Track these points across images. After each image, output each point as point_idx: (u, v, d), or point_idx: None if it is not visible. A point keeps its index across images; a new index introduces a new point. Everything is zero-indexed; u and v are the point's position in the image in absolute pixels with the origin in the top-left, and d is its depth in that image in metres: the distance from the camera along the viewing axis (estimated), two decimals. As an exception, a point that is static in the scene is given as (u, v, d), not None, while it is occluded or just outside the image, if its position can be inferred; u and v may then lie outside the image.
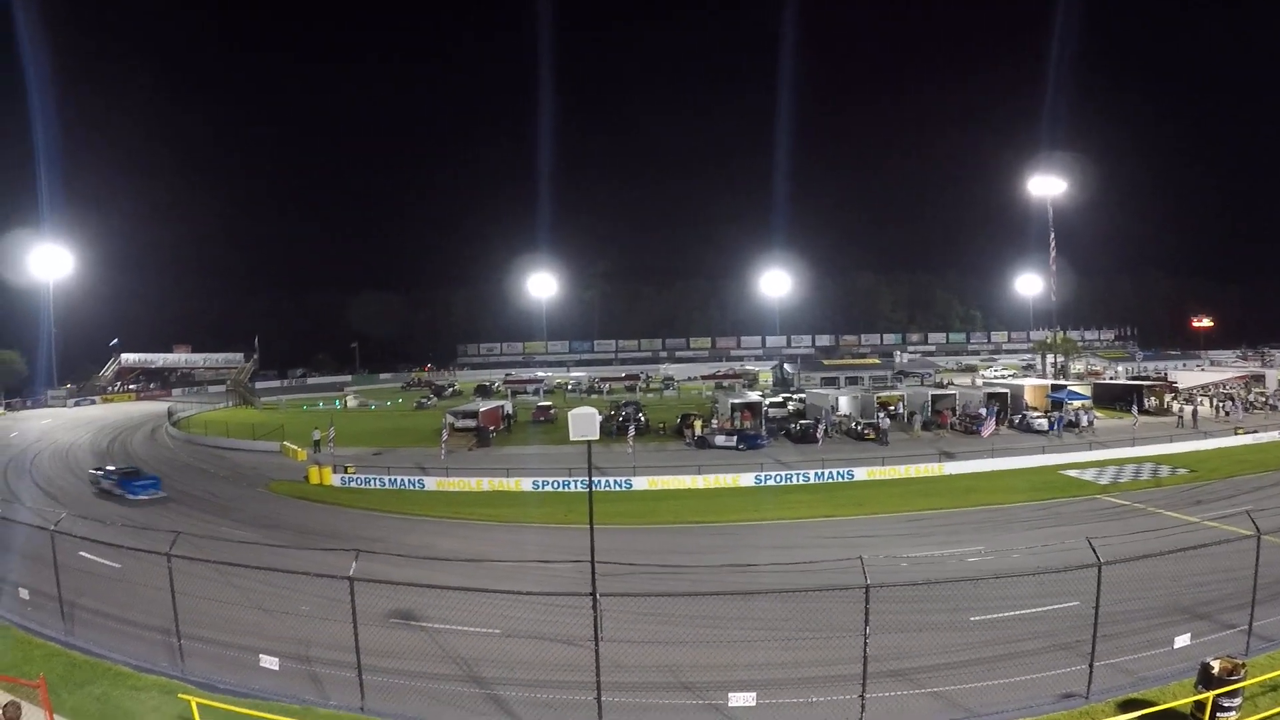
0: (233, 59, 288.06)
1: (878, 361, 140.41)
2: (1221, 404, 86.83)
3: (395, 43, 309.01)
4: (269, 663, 21.85)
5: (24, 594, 28.00)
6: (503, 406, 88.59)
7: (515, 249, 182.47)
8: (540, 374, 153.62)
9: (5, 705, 14.69)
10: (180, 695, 18.91)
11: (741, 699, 19.55)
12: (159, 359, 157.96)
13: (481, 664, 23.29)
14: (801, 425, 74.14)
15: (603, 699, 18.78)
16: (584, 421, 22.01)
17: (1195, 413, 79.54)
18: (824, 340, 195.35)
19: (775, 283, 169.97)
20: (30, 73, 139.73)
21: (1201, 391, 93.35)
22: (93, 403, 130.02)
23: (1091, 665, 20.28)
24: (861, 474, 56.30)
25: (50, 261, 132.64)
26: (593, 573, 20.15)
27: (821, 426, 71.87)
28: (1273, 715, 18.51)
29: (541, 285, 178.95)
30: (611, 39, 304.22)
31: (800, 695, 21.01)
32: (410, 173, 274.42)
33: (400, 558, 29.27)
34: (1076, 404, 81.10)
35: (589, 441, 22.11)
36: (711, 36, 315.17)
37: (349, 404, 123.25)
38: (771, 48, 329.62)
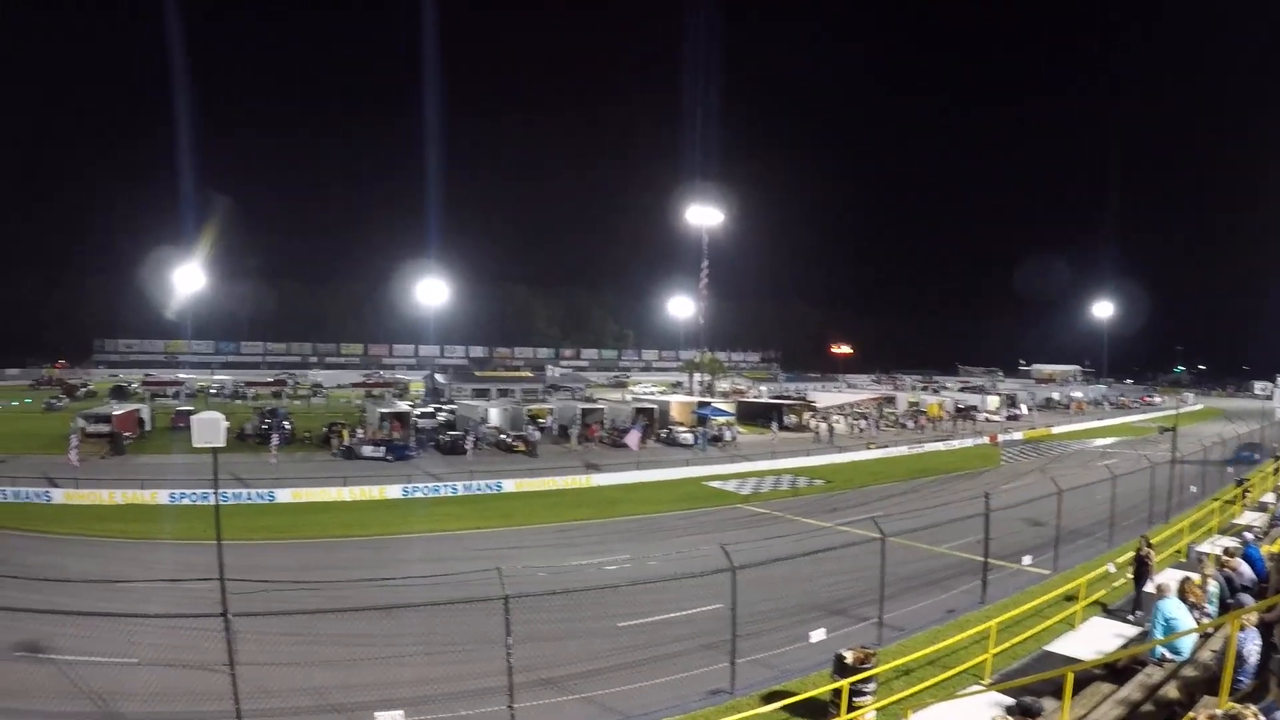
0: None
1: (530, 374, 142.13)
2: (855, 422, 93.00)
3: None
4: None
5: None
6: (140, 410, 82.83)
7: (160, 235, 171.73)
8: (182, 376, 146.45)
9: None
10: None
11: (388, 717, 19.13)
12: None
13: (119, 698, 21.73)
14: (451, 436, 74.07)
15: (247, 726, 17.93)
16: (208, 427, 20.92)
17: (832, 429, 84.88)
18: (478, 352, 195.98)
19: (431, 291, 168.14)
20: None
21: (838, 410, 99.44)
22: None
23: (733, 662, 21.36)
24: (510, 486, 56.77)
25: None
26: (223, 590, 19.21)
27: (471, 438, 71.96)
28: (905, 697, 20.12)
29: (185, 278, 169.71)
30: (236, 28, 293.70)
31: (449, 710, 20.85)
32: (48, 144, 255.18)
33: (24, 581, 27.08)
34: (721, 420, 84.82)
35: (215, 450, 21.16)
36: (353, 35, 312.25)
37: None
38: (417, 56, 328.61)
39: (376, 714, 19.16)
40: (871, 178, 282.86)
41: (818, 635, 24.29)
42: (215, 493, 23.24)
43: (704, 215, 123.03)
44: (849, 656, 19.91)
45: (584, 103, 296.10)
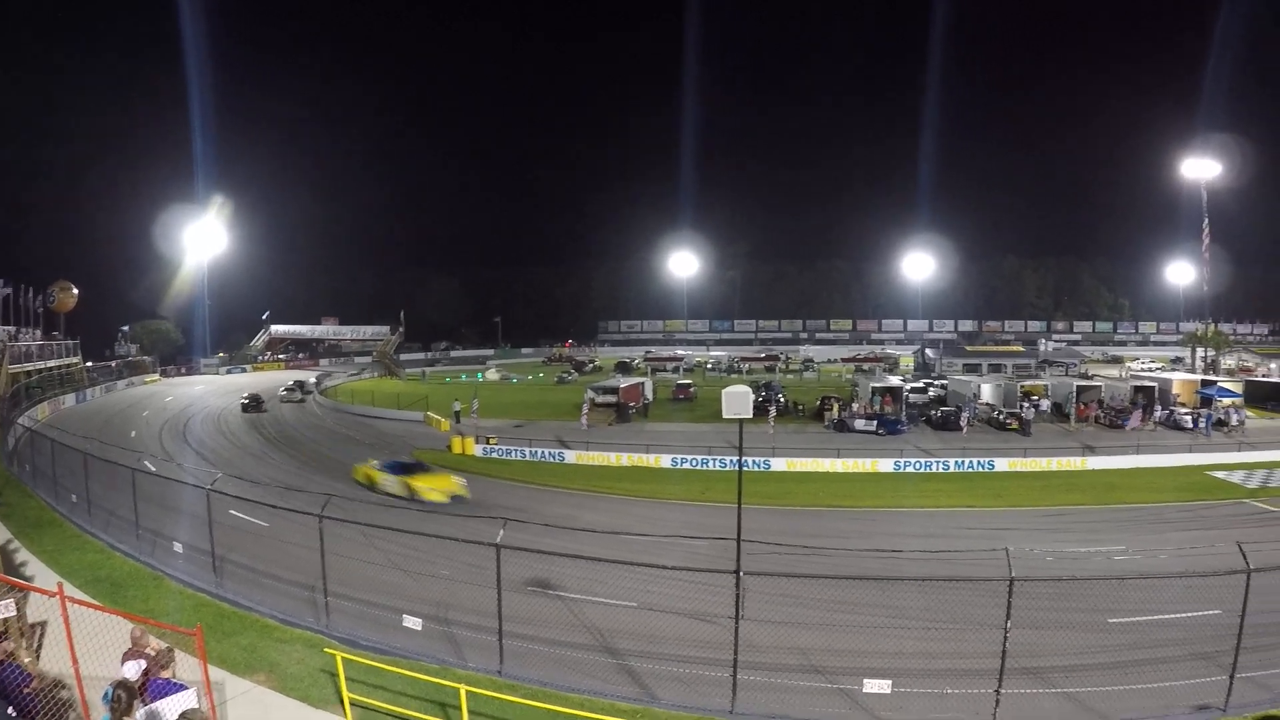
0: (377, 31, 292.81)
1: (1021, 349, 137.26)
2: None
3: (543, 15, 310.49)
4: (412, 623, 22.25)
5: (177, 547, 29.14)
6: (643, 384, 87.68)
7: (657, 226, 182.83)
8: (680, 352, 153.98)
9: (159, 652, 15.23)
10: (326, 649, 19.61)
11: (876, 685, 19.32)
12: (307, 330, 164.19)
13: (617, 635, 23.67)
14: (943, 412, 73.33)
15: (738, 677, 18.87)
16: (737, 400, 22.39)
17: (1359, 415, 76.18)
18: (966, 325, 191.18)
19: (918, 265, 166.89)
20: (187, 51, 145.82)
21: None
22: (243, 370, 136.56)
23: (1232, 677, 19.54)
24: (1003, 465, 55.43)
25: (205, 238, 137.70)
26: (738, 550, 20.35)
27: (965, 414, 71.01)
28: None
29: (683, 264, 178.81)
30: (754, 12, 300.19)
31: (934, 686, 20.86)
32: (552, 147, 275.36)
33: (541, 527, 29.53)
34: (1227, 401, 78.04)
35: (740, 420, 22.38)
36: (854, 12, 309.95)
37: (491, 377, 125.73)
38: (918, 26, 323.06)
39: (866, 680, 19.52)
40: None
41: (1333, 659, 21.97)
42: (739, 461, 24.55)
43: (1202, 169, 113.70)
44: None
45: (1080, 60, 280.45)
